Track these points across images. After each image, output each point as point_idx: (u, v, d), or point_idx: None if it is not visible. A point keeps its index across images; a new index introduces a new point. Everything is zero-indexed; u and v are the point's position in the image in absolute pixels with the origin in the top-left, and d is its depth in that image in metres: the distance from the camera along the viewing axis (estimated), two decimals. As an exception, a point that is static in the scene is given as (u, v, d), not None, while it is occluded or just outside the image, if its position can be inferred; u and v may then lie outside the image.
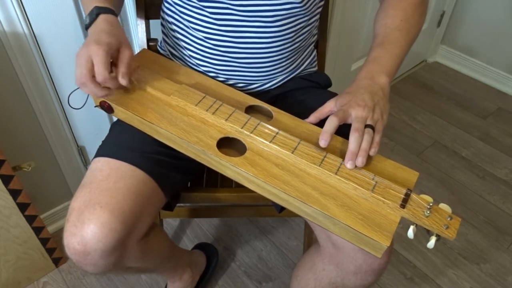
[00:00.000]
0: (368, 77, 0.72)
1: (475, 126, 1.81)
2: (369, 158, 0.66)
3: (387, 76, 0.72)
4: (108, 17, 0.71)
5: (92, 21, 0.70)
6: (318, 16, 0.87)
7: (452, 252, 1.35)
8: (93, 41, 0.65)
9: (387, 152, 1.68)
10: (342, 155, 0.67)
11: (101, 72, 0.64)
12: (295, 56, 0.87)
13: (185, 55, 0.86)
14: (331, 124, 0.66)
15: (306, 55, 0.92)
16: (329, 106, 0.71)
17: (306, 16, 0.81)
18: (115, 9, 0.74)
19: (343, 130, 0.69)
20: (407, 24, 0.77)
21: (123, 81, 0.68)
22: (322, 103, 0.73)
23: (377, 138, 0.67)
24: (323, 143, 0.66)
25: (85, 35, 1.03)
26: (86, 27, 0.71)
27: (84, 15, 0.74)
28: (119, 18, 0.75)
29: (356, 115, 0.66)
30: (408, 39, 0.77)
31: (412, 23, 0.78)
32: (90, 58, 0.65)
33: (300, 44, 0.85)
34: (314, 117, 0.72)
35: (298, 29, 0.82)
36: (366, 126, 0.66)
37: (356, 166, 0.64)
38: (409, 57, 2.05)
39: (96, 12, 0.70)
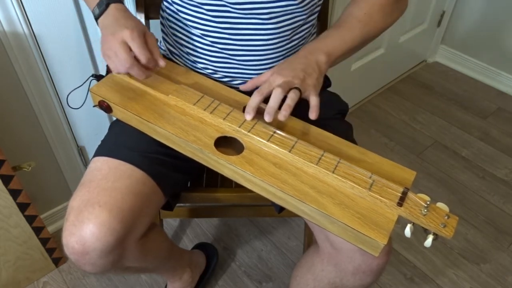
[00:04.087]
0: (308, 51, 0.75)
1: (475, 126, 1.81)
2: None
3: (326, 56, 0.74)
4: (119, 6, 0.72)
5: (102, 11, 0.71)
6: (316, 14, 0.87)
7: (452, 252, 1.35)
8: (121, 27, 0.67)
9: (387, 152, 1.68)
10: (339, 154, 0.67)
11: (145, 54, 0.68)
12: (292, 55, 0.87)
13: (184, 52, 0.86)
14: (254, 100, 0.68)
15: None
16: (266, 75, 0.73)
17: (304, 14, 0.81)
18: None
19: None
20: (368, 19, 0.79)
21: (163, 63, 0.71)
22: (321, 103, 0.73)
23: (314, 101, 0.68)
24: (247, 117, 0.68)
25: (85, 35, 1.04)
26: (97, 17, 0.72)
27: (86, 10, 0.75)
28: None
29: (284, 81, 0.68)
30: (365, 32, 0.79)
31: (374, 19, 0.79)
32: (124, 42, 0.67)
33: (298, 43, 0.85)
34: (250, 83, 0.75)
35: (296, 27, 0.82)
36: (292, 88, 0.68)
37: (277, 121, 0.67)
38: (409, 57, 2.07)
39: (106, 2, 0.71)
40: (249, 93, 0.80)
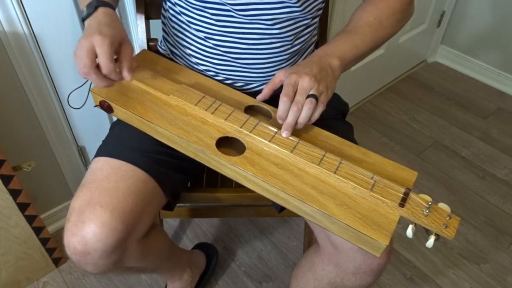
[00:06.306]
0: (321, 54, 0.73)
1: (475, 126, 1.81)
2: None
3: (340, 60, 0.73)
4: (108, 11, 0.70)
5: (90, 13, 0.70)
6: (318, 18, 0.87)
7: (452, 252, 1.35)
8: (96, 32, 0.65)
9: (387, 152, 1.68)
10: (340, 154, 0.67)
11: (106, 64, 0.65)
12: (295, 57, 0.87)
13: (185, 53, 0.86)
14: (288, 112, 0.67)
15: (306, 56, 0.92)
16: (279, 76, 0.72)
17: (307, 19, 0.81)
18: (113, 3, 0.74)
19: None
20: (378, 24, 0.78)
21: (128, 76, 0.68)
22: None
23: (318, 111, 0.68)
24: (285, 134, 0.68)
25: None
26: (83, 19, 0.71)
27: (80, 10, 0.73)
28: (118, 15, 0.75)
29: (302, 86, 0.67)
30: (375, 37, 0.78)
31: (384, 25, 0.79)
32: (93, 48, 0.64)
33: (301, 47, 0.85)
34: (267, 89, 0.73)
35: (298, 32, 0.82)
36: (309, 96, 0.67)
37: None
38: (409, 57, 2.07)
39: (95, 5, 0.70)
40: (251, 93, 0.80)
